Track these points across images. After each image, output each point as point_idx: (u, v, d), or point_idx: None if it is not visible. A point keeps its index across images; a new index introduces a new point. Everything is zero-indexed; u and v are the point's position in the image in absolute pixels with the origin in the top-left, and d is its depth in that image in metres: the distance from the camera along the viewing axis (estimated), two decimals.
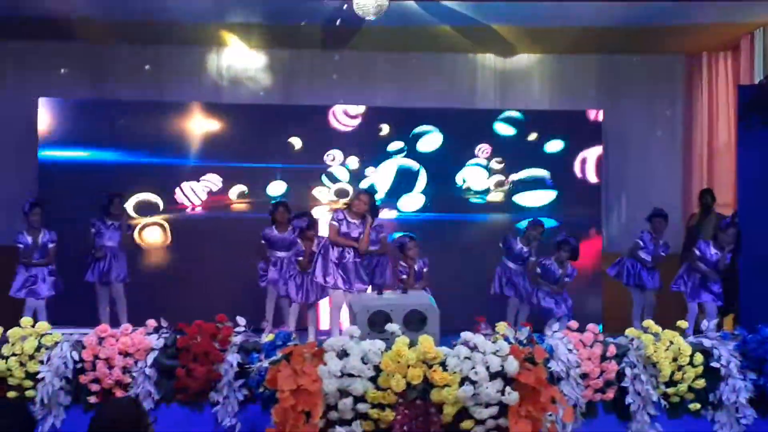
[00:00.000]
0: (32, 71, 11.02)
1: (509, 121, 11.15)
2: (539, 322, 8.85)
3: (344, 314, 8.17)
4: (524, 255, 9.68)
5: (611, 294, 10.27)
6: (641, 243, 9.71)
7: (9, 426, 3.77)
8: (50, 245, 9.18)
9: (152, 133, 10.86)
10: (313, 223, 9.17)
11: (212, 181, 10.81)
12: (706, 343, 6.38)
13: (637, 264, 9.69)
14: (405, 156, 11.01)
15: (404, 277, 8.83)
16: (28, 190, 10.15)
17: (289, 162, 10.94)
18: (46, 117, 10.72)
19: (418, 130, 11.05)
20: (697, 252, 9.14)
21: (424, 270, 9.00)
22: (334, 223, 8.25)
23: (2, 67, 10.99)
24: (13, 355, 6.04)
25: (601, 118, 11.15)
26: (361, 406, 5.30)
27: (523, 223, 10.31)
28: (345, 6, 9.05)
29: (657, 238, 9.71)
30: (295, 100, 11.29)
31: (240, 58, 11.41)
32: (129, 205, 10.57)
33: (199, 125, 10.97)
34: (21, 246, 9.09)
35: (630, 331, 6.36)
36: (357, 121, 11.09)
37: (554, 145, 11.14)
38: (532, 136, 11.09)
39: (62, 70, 11.22)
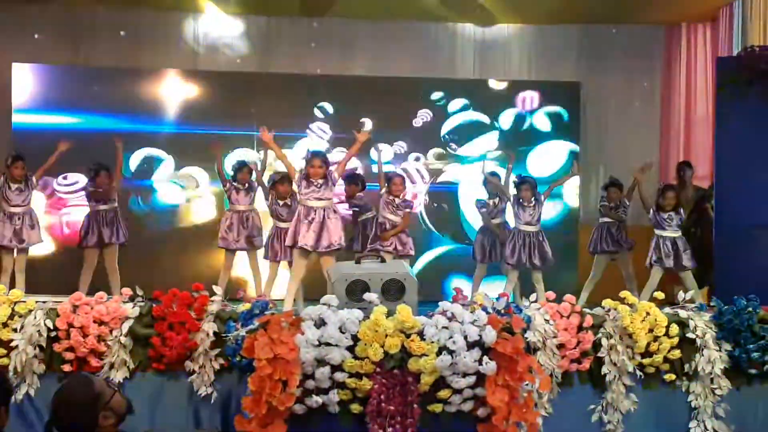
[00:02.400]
0: (5, 36, 10.87)
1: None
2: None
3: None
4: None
5: (587, 265, 10.26)
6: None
7: None
8: (30, 192, 9.06)
9: (128, 99, 10.73)
10: (283, 177, 9.03)
11: None
12: (682, 314, 6.42)
13: (604, 230, 9.60)
14: None
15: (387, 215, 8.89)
16: (2, 156, 10.01)
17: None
18: (20, 83, 10.58)
19: None
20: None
21: (407, 210, 8.96)
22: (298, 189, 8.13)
23: None
24: None
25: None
26: (339, 375, 5.30)
27: None
28: None
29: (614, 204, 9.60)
30: (272, 68, 11.20)
31: (217, 25, 11.30)
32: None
33: (175, 92, 10.86)
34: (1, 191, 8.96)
35: (607, 302, 6.39)
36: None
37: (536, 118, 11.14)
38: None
39: (36, 35, 11.06)
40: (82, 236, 9.27)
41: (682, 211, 8.96)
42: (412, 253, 8.98)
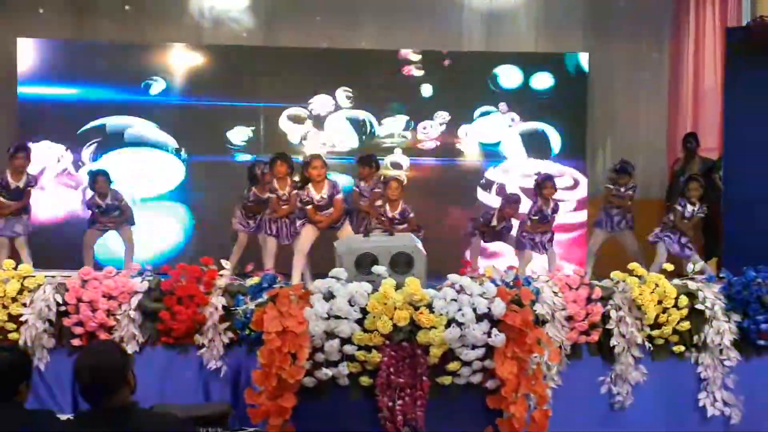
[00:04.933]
0: (10, 11, 10.81)
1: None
2: None
3: None
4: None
5: None
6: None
7: (9, 359, 3.80)
8: (28, 188, 8.97)
9: (132, 73, 10.68)
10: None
11: None
12: (691, 285, 6.42)
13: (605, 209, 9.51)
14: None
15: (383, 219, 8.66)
16: (7, 131, 10.00)
17: (272, 102, 10.84)
18: (25, 58, 10.52)
19: None
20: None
21: (410, 216, 8.71)
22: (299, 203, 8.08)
23: None
24: None
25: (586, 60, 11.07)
26: (348, 348, 5.32)
27: None
28: None
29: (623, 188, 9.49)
30: (278, 42, 11.13)
31: None
32: None
33: (180, 66, 10.80)
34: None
35: (615, 274, 6.38)
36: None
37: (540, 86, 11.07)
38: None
39: (41, 10, 11.00)
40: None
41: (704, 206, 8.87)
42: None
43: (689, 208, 8.71)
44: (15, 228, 8.76)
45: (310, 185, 7.98)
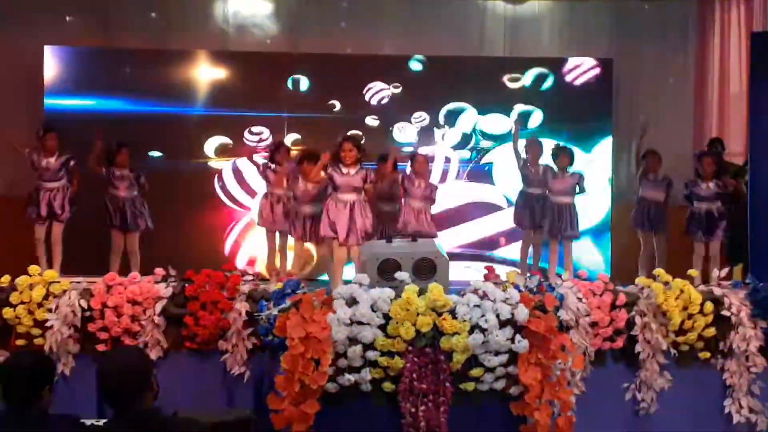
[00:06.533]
0: (38, 18, 10.88)
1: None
2: None
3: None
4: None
5: (619, 243, 10.21)
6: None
7: (32, 365, 3.85)
8: (71, 163, 8.87)
9: (159, 81, 10.75)
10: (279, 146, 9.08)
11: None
12: (717, 291, 6.38)
13: (645, 207, 9.51)
14: None
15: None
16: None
17: (296, 111, 10.85)
18: (52, 65, 10.60)
19: None
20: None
21: (432, 195, 8.76)
22: (330, 172, 8.05)
23: (7, 14, 10.82)
24: (21, 303, 6.05)
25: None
26: (371, 354, 5.31)
27: None
28: None
29: (655, 176, 9.50)
30: (302, 48, 11.17)
31: (247, 5, 11.27)
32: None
33: (205, 73, 10.86)
34: (35, 168, 8.81)
35: (640, 280, 6.35)
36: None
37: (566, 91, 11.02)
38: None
39: (68, 18, 11.09)
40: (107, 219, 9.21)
41: (720, 182, 8.85)
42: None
43: (703, 185, 8.69)
44: (56, 209, 8.63)
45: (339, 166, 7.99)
